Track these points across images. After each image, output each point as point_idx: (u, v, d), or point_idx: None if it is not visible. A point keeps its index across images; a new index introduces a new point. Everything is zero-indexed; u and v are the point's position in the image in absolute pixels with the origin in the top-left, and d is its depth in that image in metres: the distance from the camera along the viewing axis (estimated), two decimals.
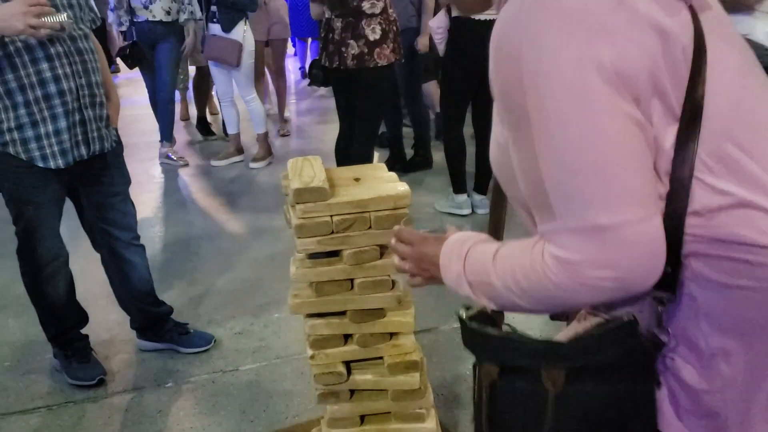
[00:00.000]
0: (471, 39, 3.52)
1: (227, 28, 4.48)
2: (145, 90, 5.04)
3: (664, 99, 0.80)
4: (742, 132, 0.83)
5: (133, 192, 2.38)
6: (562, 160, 0.79)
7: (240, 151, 5.06)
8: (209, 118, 5.96)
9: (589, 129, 0.77)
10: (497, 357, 0.93)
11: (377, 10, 3.32)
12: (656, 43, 0.79)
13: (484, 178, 3.80)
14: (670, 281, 0.83)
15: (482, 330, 0.92)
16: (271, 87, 6.08)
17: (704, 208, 0.81)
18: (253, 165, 4.88)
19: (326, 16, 3.42)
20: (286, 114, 5.95)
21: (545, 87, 0.78)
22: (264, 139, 4.93)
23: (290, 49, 8.98)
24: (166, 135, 4.98)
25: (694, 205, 0.81)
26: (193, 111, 6.01)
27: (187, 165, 4.99)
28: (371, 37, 3.33)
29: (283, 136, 5.69)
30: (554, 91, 0.78)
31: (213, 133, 5.64)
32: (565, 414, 0.89)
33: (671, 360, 0.88)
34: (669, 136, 0.81)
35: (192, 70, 5.82)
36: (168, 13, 4.62)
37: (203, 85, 5.67)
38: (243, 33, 4.49)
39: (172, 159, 4.95)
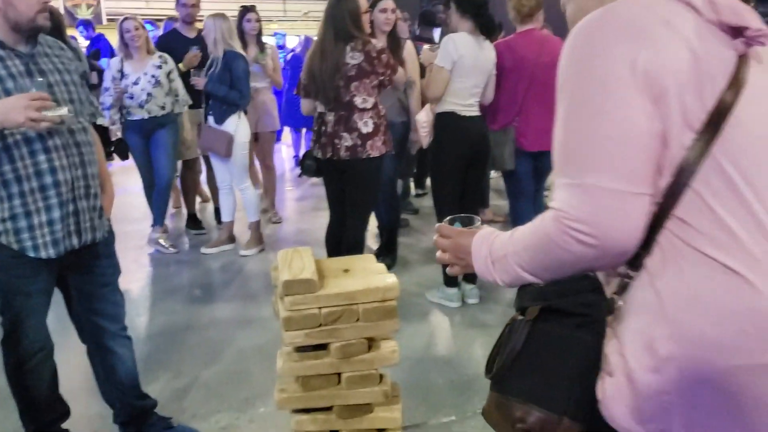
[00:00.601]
0: (456, 133, 3.65)
1: (219, 120, 4.63)
2: (137, 178, 5.10)
3: (683, 105, 0.92)
4: (750, 167, 0.92)
5: (121, 280, 2.37)
6: (579, 128, 0.96)
7: (231, 239, 5.08)
8: (198, 205, 5.97)
9: (605, 109, 0.93)
10: (522, 303, 1.26)
11: (369, 105, 3.43)
12: (687, 60, 0.93)
13: None
14: (637, 259, 0.96)
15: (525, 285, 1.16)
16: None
17: (695, 223, 0.91)
18: (243, 252, 4.89)
19: (319, 110, 3.54)
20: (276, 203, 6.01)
21: (585, 72, 0.97)
22: (256, 227, 4.97)
23: (287, 137, 9.16)
24: (159, 220, 5.00)
25: (685, 214, 0.92)
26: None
27: (177, 252, 4.99)
28: (364, 130, 3.43)
29: (274, 223, 5.73)
30: (591, 76, 0.96)
31: (203, 228, 5.59)
32: (529, 342, 1.19)
33: (623, 357, 0.96)
34: (682, 138, 0.92)
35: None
36: (163, 107, 4.76)
37: (189, 178, 5.66)
38: (235, 125, 4.62)
39: (162, 246, 4.96)
